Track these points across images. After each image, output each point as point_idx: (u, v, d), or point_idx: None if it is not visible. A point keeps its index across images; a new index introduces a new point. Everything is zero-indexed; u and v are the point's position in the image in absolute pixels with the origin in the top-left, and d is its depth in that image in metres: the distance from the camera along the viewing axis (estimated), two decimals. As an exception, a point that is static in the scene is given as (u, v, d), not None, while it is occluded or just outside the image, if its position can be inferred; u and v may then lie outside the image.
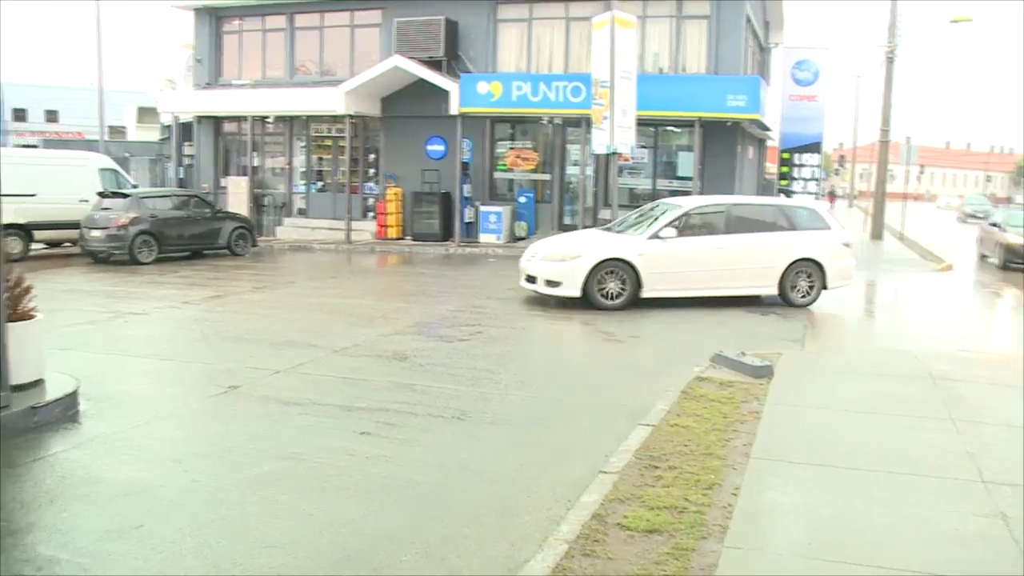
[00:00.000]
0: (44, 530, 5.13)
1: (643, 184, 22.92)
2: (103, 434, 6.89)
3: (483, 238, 23.32)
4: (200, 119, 27.54)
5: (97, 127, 30.03)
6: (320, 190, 26.74)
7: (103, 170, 21.93)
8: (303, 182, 26.96)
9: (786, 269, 13.95)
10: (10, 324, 7.01)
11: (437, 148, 24.61)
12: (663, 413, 7.33)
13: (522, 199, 23.78)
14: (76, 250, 20.48)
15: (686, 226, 13.83)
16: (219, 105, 26.59)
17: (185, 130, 28.21)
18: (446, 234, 23.91)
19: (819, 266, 14.06)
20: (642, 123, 20.25)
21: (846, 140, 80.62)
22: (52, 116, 62.87)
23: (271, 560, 4.75)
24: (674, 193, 20.89)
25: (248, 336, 11.30)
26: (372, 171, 25.92)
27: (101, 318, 12.36)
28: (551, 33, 23.92)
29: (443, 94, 22.75)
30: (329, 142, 26.54)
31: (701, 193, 20.41)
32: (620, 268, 13.30)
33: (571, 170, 23.84)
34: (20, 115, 59.90)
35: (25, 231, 19.44)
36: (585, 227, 20.41)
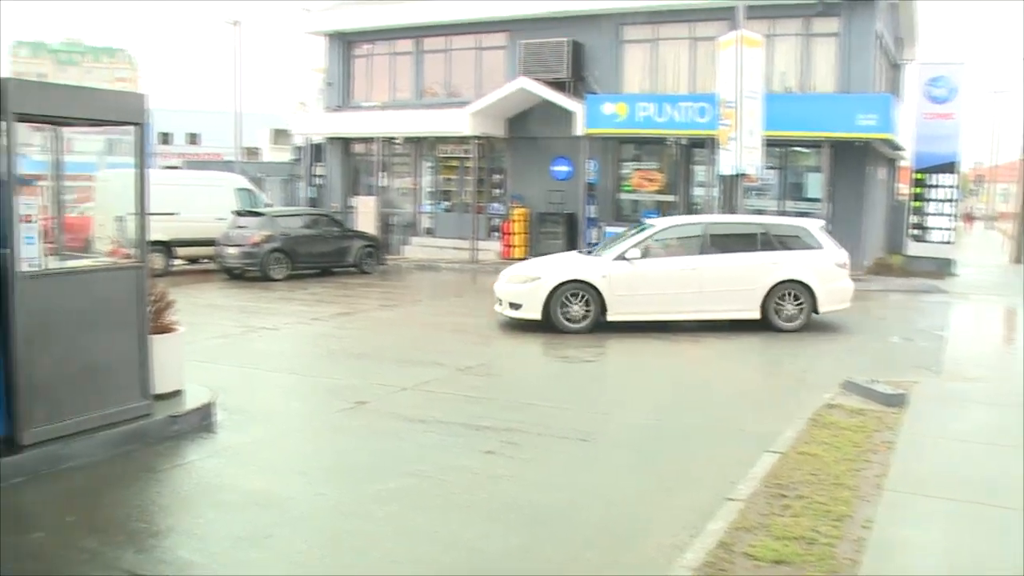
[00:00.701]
0: (182, 534, 5.35)
1: (770, 205, 22.41)
2: (236, 444, 7.14)
3: (606, 259, 23.18)
4: (330, 140, 28.34)
5: (234, 148, 31.26)
6: (446, 210, 27.12)
7: (239, 190, 22.84)
8: (429, 202, 27.42)
9: (769, 291, 13.16)
10: (153, 336, 7.33)
11: (562, 169, 24.67)
12: (791, 440, 7.12)
13: (647, 220, 23.56)
14: (213, 266, 21.32)
15: (655, 247, 13.41)
16: (349, 127, 27.35)
17: (316, 151, 29.14)
18: (569, 254, 23.91)
19: (808, 288, 13.21)
20: (769, 144, 19.84)
21: (984, 158, 76.79)
22: (193, 139, 65.90)
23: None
24: (801, 215, 20.38)
25: (375, 353, 11.55)
26: (497, 191, 26.15)
27: (235, 332, 12.83)
28: (676, 53, 23.73)
29: (568, 115, 22.83)
30: (455, 163, 26.92)
31: (832, 216, 19.86)
32: (583, 290, 12.87)
33: (697, 191, 23.53)
34: (165, 138, 62.97)
35: (167, 248, 20.35)
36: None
